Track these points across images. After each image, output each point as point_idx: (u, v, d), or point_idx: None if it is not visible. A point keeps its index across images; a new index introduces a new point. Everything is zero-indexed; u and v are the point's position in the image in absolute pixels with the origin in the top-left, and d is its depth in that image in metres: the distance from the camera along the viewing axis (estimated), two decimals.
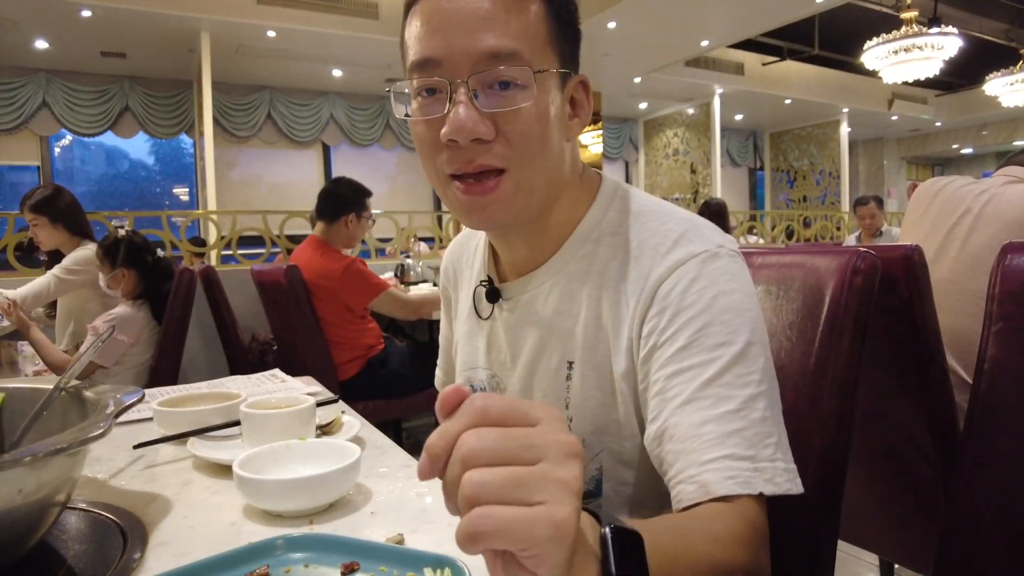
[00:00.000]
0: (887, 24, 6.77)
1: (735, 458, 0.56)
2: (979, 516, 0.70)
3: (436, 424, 0.36)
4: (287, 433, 0.78)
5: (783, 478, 0.57)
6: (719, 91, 9.13)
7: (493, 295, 0.80)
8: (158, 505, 0.69)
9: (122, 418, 0.76)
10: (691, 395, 0.59)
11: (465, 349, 0.86)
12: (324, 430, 0.90)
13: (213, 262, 4.42)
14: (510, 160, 0.64)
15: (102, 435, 0.54)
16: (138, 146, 8.04)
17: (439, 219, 5.01)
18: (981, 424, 0.70)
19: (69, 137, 7.37)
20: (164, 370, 2.45)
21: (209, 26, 5.87)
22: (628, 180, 10.68)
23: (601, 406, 0.70)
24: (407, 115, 0.66)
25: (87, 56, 6.46)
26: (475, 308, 0.83)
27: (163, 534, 0.62)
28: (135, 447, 0.85)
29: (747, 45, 8.39)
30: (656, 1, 6.01)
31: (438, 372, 1.01)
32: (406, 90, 0.66)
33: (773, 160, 12.01)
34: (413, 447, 3.38)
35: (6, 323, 2.38)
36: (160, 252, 2.55)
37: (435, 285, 3.58)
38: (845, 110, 10.55)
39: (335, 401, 0.97)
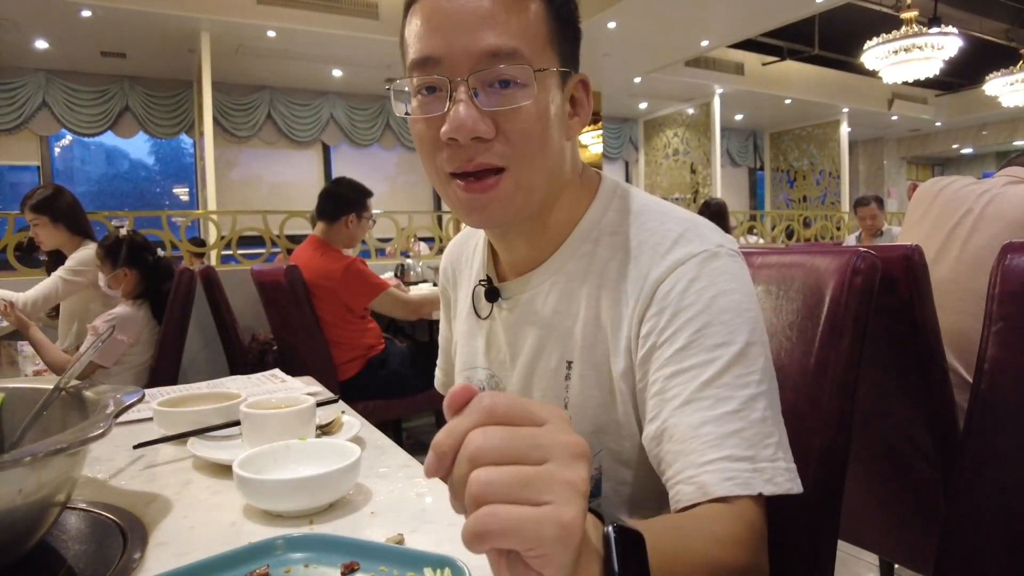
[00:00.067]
0: (887, 24, 6.77)
1: (734, 459, 0.56)
2: (979, 516, 0.70)
3: (437, 424, 0.36)
4: (287, 433, 0.78)
5: (783, 477, 0.57)
6: (719, 91, 9.13)
7: (492, 294, 0.80)
8: (158, 505, 0.69)
9: (122, 418, 0.76)
10: (690, 396, 0.59)
11: (464, 349, 0.86)
12: (324, 430, 0.90)
13: (213, 262, 4.42)
14: (510, 158, 0.64)
15: (102, 435, 0.54)
16: (138, 146, 8.04)
17: (439, 219, 5.01)
18: (981, 424, 0.70)
19: (69, 137, 7.37)
20: (164, 370, 2.45)
21: (209, 26, 5.87)
22: (628, 180, 10.68)
23: (600, 406, 0.70)
24: (407, 113, 0.66)
25: (87, 56, 6.46)
26: (474, 308, 0.83)
27: (163, 534, 0.62)
28: (135, 447, 0.85)
29: (747, 45, 8.39)
30: (656, 1, 6.01)
31: (437, 372, 1.01)
32: (406, 88, 0.66)
33: (773, 160, 12.01)
34: (413, 447, 3.38)
35: (6, 323, 2.38)
36: (160, 252, 2.55)
37: (435, 285, 3.58)
38: (845, 110, 10.55)
39: (335, 401, 0.97)
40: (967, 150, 13.44)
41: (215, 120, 6.84)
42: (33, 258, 3.34)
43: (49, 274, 2.74)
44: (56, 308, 2.71)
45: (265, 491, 0.65)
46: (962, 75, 9.79)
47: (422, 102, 0.64)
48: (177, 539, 0.61)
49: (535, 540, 0.30)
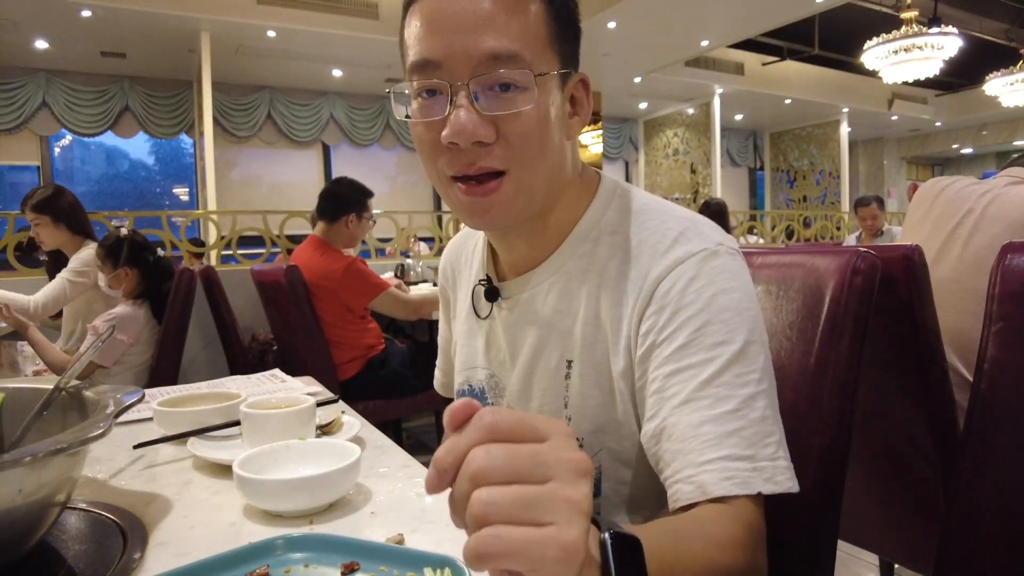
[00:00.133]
0: (887, 24, 6.77)
1: (733, 458, 0.56)
2: (979, 516, 0.70)
3: (437, 424, 0.36)
4: (287, 433, 0.78)
5: (784, 476, 0.57)
6: (719, 91, 9.13)
7: (492, 294, 0.80)
8: (158, 505, 0.69)
9: (122, 418, 0.76)
10: (689, 395, 0.59)
11: (464, 349, 0.86)
12: (324, 430, 0.90)
13: (213, 262, 4.42)
14: (511, 162, 0.64)
15: (102, 435, 0.54)
16: (138, 146, 8.04)
17: (439, 219, 5.01)
18: (981, 424, 0.70)
19: (69, 137, 7.37)
20: (164, 370, 2.45)
21: (209, 26, 5.87)
22: (628, 180, 10.67)
23: (600, 405, 0.70)
24: (407, 116, 0.66)
25: (87, 56, 6.46)
26: (474, 307, 0.83)
27: (163, 534, 0.62)
28: (135, 447, 0.85)
29: (747, 45, 8.39)
30: (656, 1, 6.01)
31: (437, 373, 1.01)
32: (406, 91, 0.66)
33: (773, 160, 12.01)
34: (413, 447, 3.38)
35: (4, 324, 2.38)
36: (160, 252, 2.55)
37: (435, 285, 3.58)
38: (845, 110, 10.55)
39: (335, 401, 0.97)
40: (967, 150, 13.44)
41: (215, 120, 6.84)
42: (33, 258, 3.34)
43: (49, 274, 2.75)
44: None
45: (265, 491, 0.65)
46: (962, 75, 9.79)
47: (422, 105, 0.64)
48: (177, 539, 0.61)
49: (538, 562, 0.30)
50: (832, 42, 8.51)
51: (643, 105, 10.04)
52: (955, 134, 12.75)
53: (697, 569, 0.47)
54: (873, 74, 7.14)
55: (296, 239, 3.34)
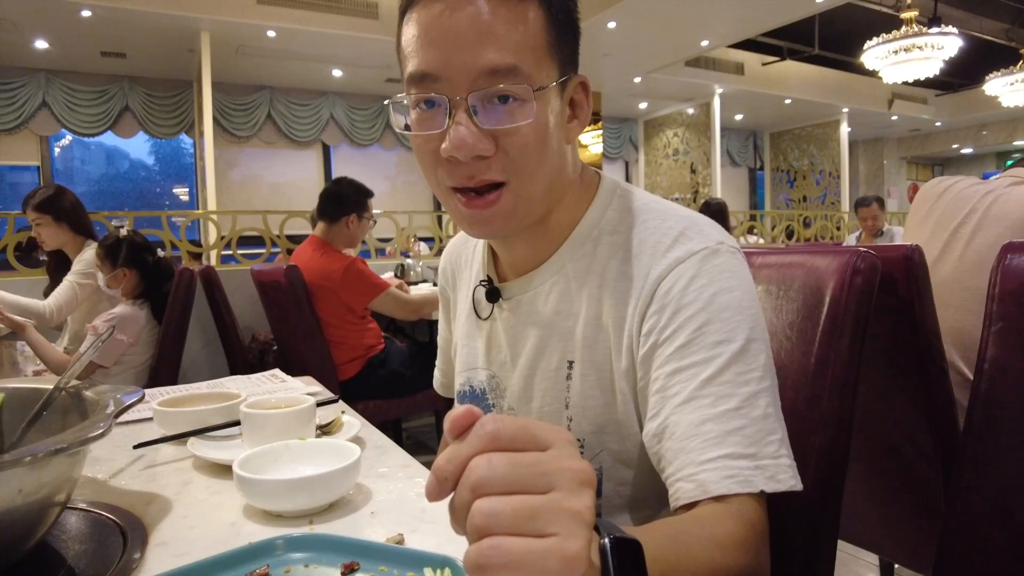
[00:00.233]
0: (887, 24, 6.77)
1: (735, 457, 0.56)
2: (979, 516, 0.70)
3: (437, 424, 0.36)
4: (287, 433, 0.78)
5: (786, 474, 0.57)
6: (719, 91, 9.12)
7: (493, 295, 0.79)
8: (158, 505, 0.69)
9: (122, 418, 0.76)
10: (691, 393, 0.59)
11: (464, 350, 0.86)
12: (324, 430, 0.90)
13: (213, 262, 4.42)
14: (510, 173, 0.64)
15: (102, 435, 0.54)
16: (138, 146, 8.04)
17: (439, 219, 5.01)
18: (981, 424, 0.70)
19: (69, 137, 7.37)
20: (164, 370, 2.45)
21: (209, 26, 5.87)
22: (628, 180, 10.68)
23: (601, 406, 0.70)
24: (406, 127, 0.66)
25: (87, 56, 6.46)
26: (474, 308, 0.83)
27: (163, 534, 0.62)
28: (135, 447, 0.85)
29: (747, 45, 8.39)
30: (656, 1, 6.01)
31: (437, 373, 1.01)
32: (404, 101, 0.66)
33: (773, 160, 12.01)
34: (413, 447, 3.38)
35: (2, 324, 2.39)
36: (160, 252, 2.55)
37: (435, 285, 3.58)
38: (845, 110, 10.55)
39: (335, 401, 0.97)
40: (967, 150, 13.44)
41: (215, 120, 6.83)
42: (33, 258, 3.34)
43: (50, 274, 2.75)
44: None
45: (265, 491, 0.65)
46: (962, 75, 9.78)
47: (421, 116, 0.64)
48: (177, 539, 0.61)
49: (539, 573, 0.30)
50: (832, 42, 8.50)
51: (643, 105, 10.04)
52: (955, 134, 12.75)
53: (698, 570, 0.47)
54: (873, 74, 7.14)
55: (296, 239, 3.34)
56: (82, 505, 0.68)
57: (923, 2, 6.88)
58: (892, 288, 0.99)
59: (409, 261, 4.17)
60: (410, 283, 3.74)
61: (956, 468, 0.72)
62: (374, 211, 2.89)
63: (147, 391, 1.04)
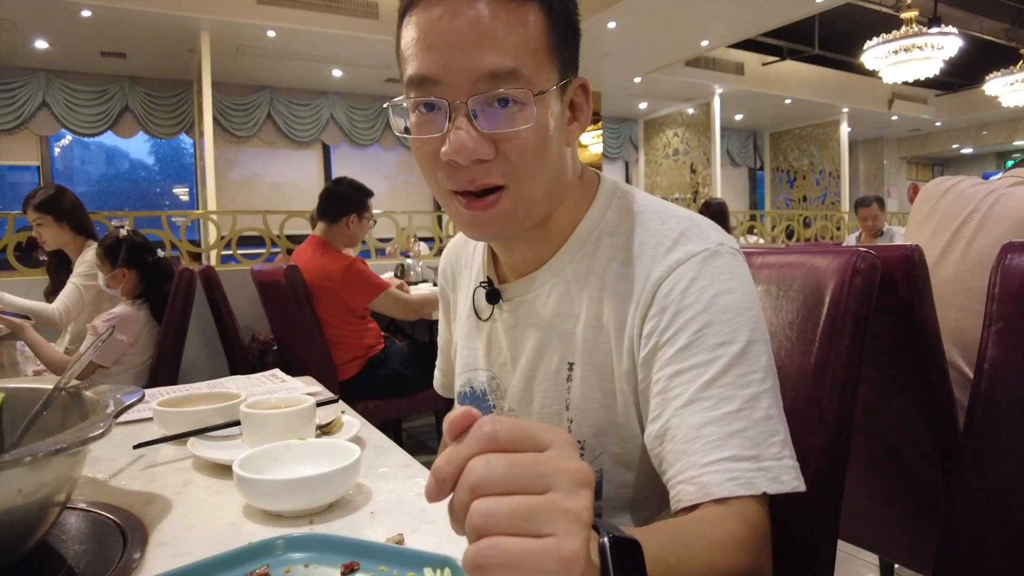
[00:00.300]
0: (887, 24, 6.77)
1: (736, 459, 0.56)
2: (979, 516, 0.70)
3: (437, 424, 0.36)
4: (287, 433, 0.78)
5: (789, 476, 0.57)
6: (719, 91, 9.13)
7: (493, 296, 0.79)
8: (158, 505, 0.69)
9: (122, 418, 0.76)
10: (692, 396, 0.59)
11: (464, 351, 0.86)
12: (324, 430, 0.90)
13: (213, 262, 4.42)
14: (510, 177, 0.64)
15: (102, 435, 0.54)
16: (138, 146, 8.04)
17: (439, 219, 5.01)
18: (981, 424, 0.70)
19: (69, 137, 7.37)
20: (164, 370, 2.45)
21: (209, 26, 5.87)
22: (628, 180, 10.69)
23: (602, 407, 0.70)
24: (406, 130, 0.66)
25: (87, 56, 6.46)
26: (475, 309, 0.83)
27: (163, 534, 0.62)
28: (135, 447, 0.85)
29: (747, 45, 8.39)
30: (656, 1, 6.01)
31: (437, 374, 1.01)
32: (404, 104, 0.65)
33: (773, 160, 12.01)
34: (413, 447, 3.37)
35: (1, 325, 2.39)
36: (160, 252, 2.55)
37: (435, 285, 3.58)
38: (845, 110, 10.55)
39: (335, 401, 0.97)
40: (967, 150, 13.44)
41: (215, 120, 6.84)
42: (33, 258, 3.34)
43: (50, 274, 2.75)
44: None
45: (265, 491, 0.65)
46: (962, 75, 9.79)
47: (420, 119, 0.64)
48: (177, 539, 0.61)
49: (537, 573, 0.30)
50: (832, 42, 8.51)
51: (643, 105, 10.04)
52: (955, 134, 12.75)
53: (699, 571, 0.47)
54: (873, 74, 7.14)
55: (296, 239, 3.34)
56: (82, 505, 0.68)
57: (923, 2, 6.88)
58: (892, 288, 0.99)
59: (409, 261, 4.17)
60: (410, 283, 3.73)
61: (956, 468, 0.72)
62: (374, 211, 2.89)
63: (147, 391, 1.04)
